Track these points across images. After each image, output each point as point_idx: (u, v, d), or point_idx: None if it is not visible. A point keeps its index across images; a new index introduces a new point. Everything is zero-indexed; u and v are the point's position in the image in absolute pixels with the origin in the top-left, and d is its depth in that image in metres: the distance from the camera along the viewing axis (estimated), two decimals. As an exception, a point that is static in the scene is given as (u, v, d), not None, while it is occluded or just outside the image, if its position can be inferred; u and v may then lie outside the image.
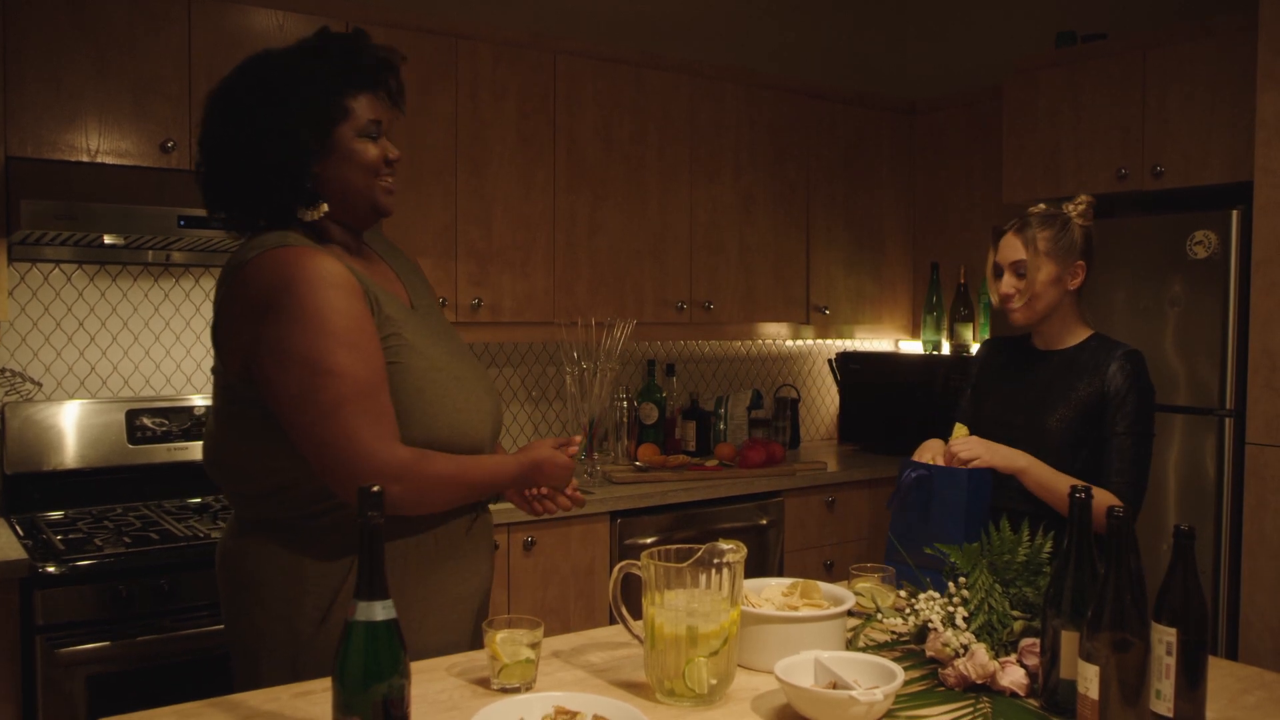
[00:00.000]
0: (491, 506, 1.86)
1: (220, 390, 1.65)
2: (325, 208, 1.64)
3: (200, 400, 3.05)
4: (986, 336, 3.84)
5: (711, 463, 3.63)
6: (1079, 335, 2.27)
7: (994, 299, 2.30)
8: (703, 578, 1.46)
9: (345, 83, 1.63)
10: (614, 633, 1.77)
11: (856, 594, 1.77)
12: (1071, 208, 2.25)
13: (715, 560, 1.46)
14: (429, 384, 1.62)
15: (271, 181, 1.60)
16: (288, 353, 1.51)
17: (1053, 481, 2.12)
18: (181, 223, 2.61)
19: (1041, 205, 2.30)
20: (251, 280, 1.55)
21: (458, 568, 1.72)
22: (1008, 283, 2.24)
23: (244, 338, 1.56)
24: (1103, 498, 2.02)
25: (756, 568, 3.46)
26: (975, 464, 2.11)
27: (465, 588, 1.73)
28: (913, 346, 4.52)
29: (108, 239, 2.68)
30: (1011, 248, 2.23)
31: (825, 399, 4.59)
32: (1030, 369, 2.30)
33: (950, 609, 1.56)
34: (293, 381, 1.51)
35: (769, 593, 1.70)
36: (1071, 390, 2.20)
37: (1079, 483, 2.01)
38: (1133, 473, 2.13)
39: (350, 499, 1.54)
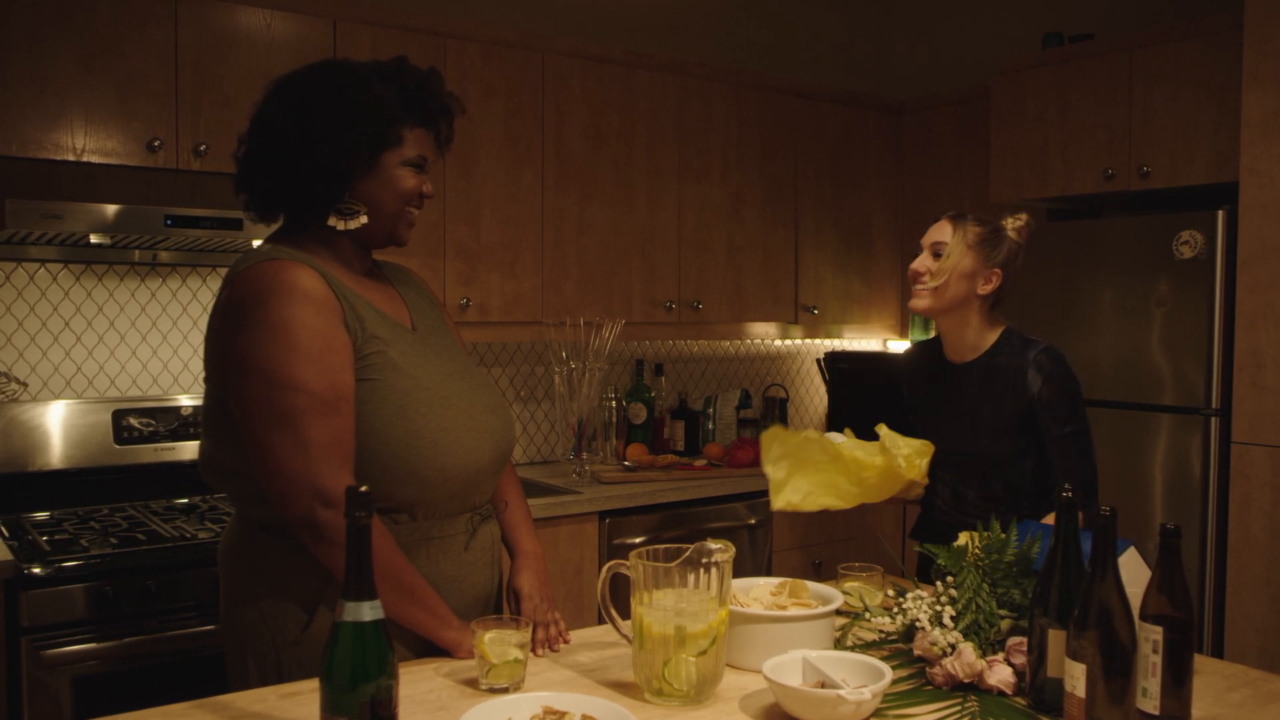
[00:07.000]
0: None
1: (211, 395, 1.66)
2: (364, 219, 1.65)
3: (187, 400, 3.04)
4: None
5: (700, 462, 3.63)
6: (989, 340, 2.23)
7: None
8: (691, 577, 1.46)
9: (406, 112, 1.66)
10: (602, 632, 1.77)
11: (844, 593, 1.78)
12: (1010, 221, 2.23)
13: (703, 560, 1.46)
14: (411, 402, 1.61)
15: (311, 181, 1.61)
16: (250, 362, 1.53)
17: None
18: (168, 222, 2.60)
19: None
20: (236, 292, 1.58)
21: (455, 585, 1.68)
22: (921, 261, 2.22)
23: (222, 347, 1.58)
24: None
25: (745, 567, 3.46)
26: None
27: (461, 602, 1.68)
28: (901, 346, 4.53)
29: (94, 238, 2.66)
30: (939, 230, 2.22)
31: (813, 399, 4.60)
32: (954, 388, 2.26)
33: (938, 608, 1.57)
34: (250, 390, 1.53)
35: (757, 592, 1.70)
36: (998, 408, 2.18)
37: None
38: (1082, 467, 2.12)
39: (283, 512, 1.53)
